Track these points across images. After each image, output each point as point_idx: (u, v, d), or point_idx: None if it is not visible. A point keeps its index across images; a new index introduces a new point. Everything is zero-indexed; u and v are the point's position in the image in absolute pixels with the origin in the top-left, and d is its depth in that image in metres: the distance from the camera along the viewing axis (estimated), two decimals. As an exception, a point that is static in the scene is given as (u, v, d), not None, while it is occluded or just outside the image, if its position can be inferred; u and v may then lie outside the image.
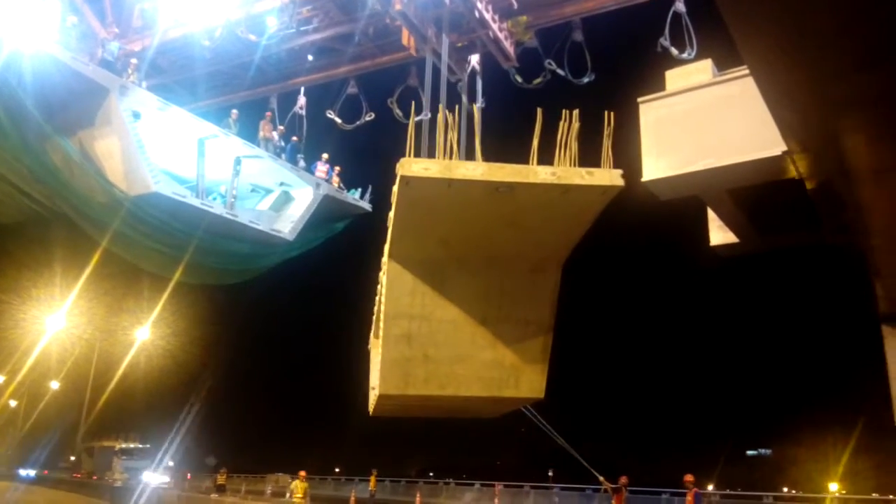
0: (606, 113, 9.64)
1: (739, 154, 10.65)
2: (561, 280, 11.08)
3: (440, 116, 9.94)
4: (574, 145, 9.77)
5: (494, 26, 15.64)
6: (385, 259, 10.95)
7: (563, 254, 10.91)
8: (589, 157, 9.66)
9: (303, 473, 23.58)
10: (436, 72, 15.23)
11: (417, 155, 10.14)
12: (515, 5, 16.06)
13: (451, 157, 9.66)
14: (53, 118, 16.00)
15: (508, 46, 16.28)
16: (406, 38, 16.70)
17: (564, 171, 9.56)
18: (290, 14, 16.65)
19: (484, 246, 10.76)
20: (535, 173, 9.48)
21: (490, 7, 15.52)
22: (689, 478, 16.40)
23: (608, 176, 9.50)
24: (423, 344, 11.18)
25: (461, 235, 10.58)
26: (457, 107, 10.60)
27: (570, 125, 9.83)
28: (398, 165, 9.38)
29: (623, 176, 9.47)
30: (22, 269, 20.85)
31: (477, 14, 15.05)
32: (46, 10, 16.24)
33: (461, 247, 10.78)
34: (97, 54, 17.49)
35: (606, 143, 9.70)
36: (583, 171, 9.55)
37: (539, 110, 10.23)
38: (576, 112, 9.96)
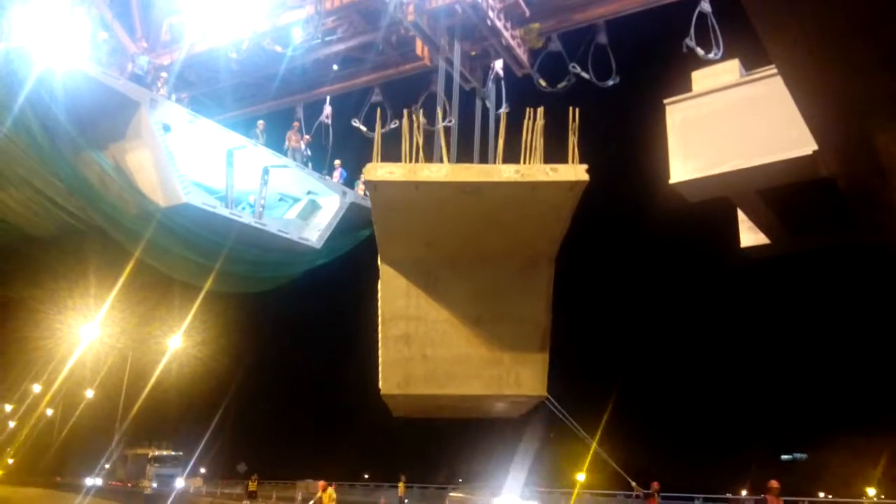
0: (571, 109, 9.76)
1: (769, 154, 10.53)
2: (555, 277, 11.14)
3: (405, 121, 10.22)
4: (540, 142, 9.92)
5: (507, 34, 15.64)
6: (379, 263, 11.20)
7: (551, 250, 10.94)
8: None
9: (321, 484, 23.71)
10: (453, 80, 15.35)
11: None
12: (527, 13, 16.07)
13: (416, 161, 9.92)
14: (86, 132, 16.34)
15: (521, 54, 16.28)
16: (420, 48, 16.83)
17: (528, 169, 9.69)
18: (316, 25, 16.81)
19: (471, 246, 10.93)
20: (499, 172, 9.66)
21: (502, 15, 15.53)
22: (774, 484, 14.33)
23: (573, 171, 9.59)
24: (421, 344, 11.41)
25: (445, 236, 10.78)
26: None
27: (534, 123, 9.98)
28: (364, 170, 9.75)
29: (588, 171, 9.55)
30: (58, 280, 21.23)
31: (489, 23, 15.06)
32: (77, 27, 16.61)
33: (448, 247, 10.98)
34: (127, 69, 17.85)
35: (572, 140, 9.79)
36: (547, 167, 9.68)
37: (503, 112, 10.54)
38: (540, 110, 10.13)
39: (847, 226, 12.14)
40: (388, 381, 11.71)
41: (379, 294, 11.45)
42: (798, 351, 67.99)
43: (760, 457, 59.99)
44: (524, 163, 9.88)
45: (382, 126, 19.94)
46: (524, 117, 9.96)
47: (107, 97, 16.00)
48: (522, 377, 11.53)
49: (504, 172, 9.60)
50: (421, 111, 14.55)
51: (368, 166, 9.69)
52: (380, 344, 11.57)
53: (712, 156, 11.10)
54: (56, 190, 17.02)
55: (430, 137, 10.75)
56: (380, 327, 11.49)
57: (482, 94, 16.54)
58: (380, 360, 11.67)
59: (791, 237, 13.45)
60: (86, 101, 15.85)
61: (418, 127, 10.15)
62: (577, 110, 9.79)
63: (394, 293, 11.22)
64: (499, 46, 15.85)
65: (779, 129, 10.37)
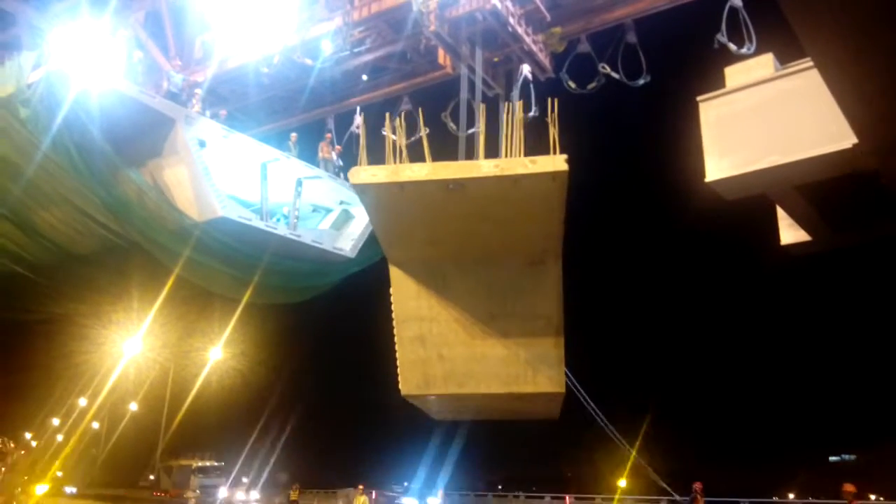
0: (549, 100, 9.80)
1: (807, 149, 10.31)
2: (564, 272, 11.17)
3: (386, 123, 10.40)
4: (520, 135, 10.01)
5: (528, 40, 15.62)
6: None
7: (554, 246, 10.93)
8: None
9: (361, 487, 24.23)
10: (481, 85, 15.40)
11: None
12: (548, 18, 16.03)
13: (399, 161, 10.12)
14: (123, 150, 16.69)
15: (544, 59, 16.24)
16: (442, 56, 16.92)
17: (507, 163, 9.76)
18: (345, 36, 16.96)
19: (472, 244, 11.00)
20: (479, 168, 9.75)
21: (523, 21, 15.51)
22: (849, 488, 13.35)
23: (551, 162, 9.58)
24: (436, 344, 11.58)
25: (444, 235, 10.87)
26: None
27: (513, 116, 10.08)
28: (349, 175, 9.94)
29: (567, 161, 9.52)
30: (102, 296, 21.75)
31: (510, 29, 15.07)
32: (114, 48, 17.03)
33: (450, 246, 11.08)
34: (162, 86, 18.21)
35: (552, 131, 9.86)
36: (526, 160, 9.74)
37: (482, 106, 10.73)
38: (519, 103, 10.45)
39: (890, 220, 11.83)
40: (408, 383, 11.96)
41: (391, 296, 11.61)
42: (845, 348, 66.38)
43: (807, 458, 58.68)
44: (505, 156, 10.00)
45: (412, 135, 20.14)
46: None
47: (143, 115, 16.35)
48: (539, 374, 11.60)
49: (484, 168, 9.71)
50: (450, 117, 14.65)
51: (353, 170, 10.00)
52: (396, 346, 11.76)
53: (749, 153, 10.91)
54: (96, 208, 17.43)
55: (451, 143, 10.86)
56: (395, 329, 11.68)
57: (511, 99, 16.54)
58: (398, 361, 11.85)
59: (833, 233, 13.14)
60: (123, 119, 16.20)
61: (401, 128, 10.39)
62: (555, 101, 10.03)
63: (405, 294, 11.42)
64: (520, 52, 15.85)
65: (816, 122, 10.15)
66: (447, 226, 10.70)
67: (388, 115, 10.71)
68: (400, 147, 10.30)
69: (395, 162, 10.24)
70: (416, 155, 10.45)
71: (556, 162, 9.58)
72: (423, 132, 11.46)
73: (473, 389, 11.83)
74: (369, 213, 10.79)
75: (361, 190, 9.99)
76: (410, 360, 11.76)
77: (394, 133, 11.02)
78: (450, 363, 11.64)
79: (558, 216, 10.38)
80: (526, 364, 11.55)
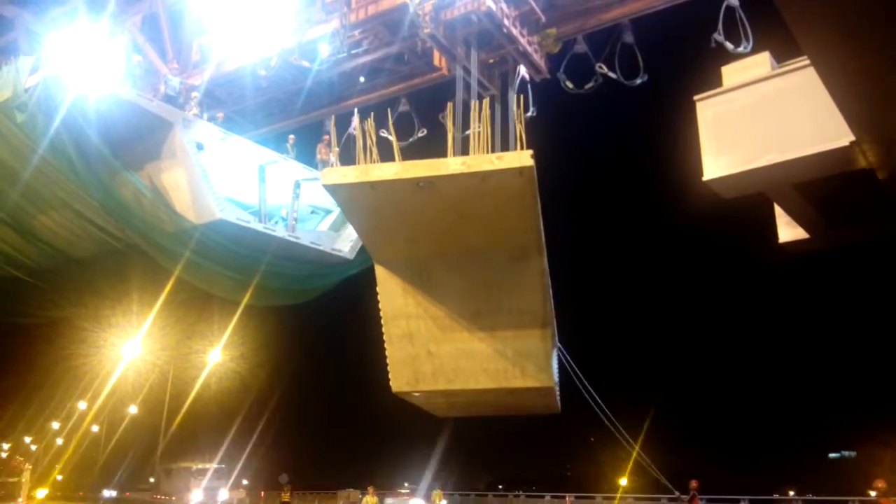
0: (515, 96, 9.95)
1: (804, 147, 10.33)
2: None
3: (356, 123, 10.55)
4: (487, 132, 10.15)
5: (523, 41, 15.65)
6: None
7: (535, 240, 11.00)
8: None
9: (371, 489, 24.11)
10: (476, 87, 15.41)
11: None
12: (543, 19, 16.07)
13: (370, 161, 10.25)
14: (121, 153, 16.71)
15: (539, 59, 16.27)
16: (437, 58, 16.97)
17: (474, 160, 9.91)
18: (342, 39, 16.97)
19: (454, 241, 11.11)
20: (446, 165, 9.90)
21: (518, 22, 15.54)
22: (880, 484, 13.44)
23: (517, 158, 9.72)
24: (424, 341, 11.73)
25: (423, 232, 10.99)
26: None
27: (480, 114, 10.22)
28: (321, 176, 10.16)
29: (533, 156, 9.63)
30: (102, 299, 21.78)
31: (504, 30, 15.10)
32: (111, 52, 17.04)
33: (431, 243, 11.21)
34: (160, 90, 18.22)
35: (519, 128, 10.05)
36: (492, 156, 9.92)
37: (449, 105, 10.88)
38: (486, 101, 10.59)
39: (888, 216, 11.86)
40: (398, 380, 12.12)
41: (378, 294, 11.68)
42: (844, 345, 66.41)
43: (807, 455, 58.71)
44: (474, 153, 10.10)
45: (410, 136, 20.18)
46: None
47: (141, 118, 16.36)
48: (528, 369, 11.67)
49: (451, 165, 9.83)
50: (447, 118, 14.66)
51: (324, 171, 10.21)
52: (385, 343, 11.83)
53: (746, 151, 10.92)
54: (95, 211, 17.44)
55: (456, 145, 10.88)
56: (383, 327, 11.74)
57: (509, 101, 16.57)
58: (387, 359, 11.92)
59: (831, 230, 13.17)
60: (120, 123, 16.22)
61: (371, 127, 10.55)
62: (521, 97, 10.03)
63: (391, 292, 11.53)
64: (516, 53, 15.88)
65: (813, 120, 10.17)
66: (426, 224, 10.78)
67: (356, 113, 10.82)
68: (370, 147, 10.39)
69: (366, 161, 10.30)
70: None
71: (522, 157, 9.67)
72: (393, 135, 11.51)
73: (463, 385, 11.93)
74: (345, 213, 10.94)
75: (333, 191, 10.11)
76: (400, 358, 11.87)
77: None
78: (438, 359, 11.71)
79: (533, 211, 10.43)
80: (513, 359, 11.63)
